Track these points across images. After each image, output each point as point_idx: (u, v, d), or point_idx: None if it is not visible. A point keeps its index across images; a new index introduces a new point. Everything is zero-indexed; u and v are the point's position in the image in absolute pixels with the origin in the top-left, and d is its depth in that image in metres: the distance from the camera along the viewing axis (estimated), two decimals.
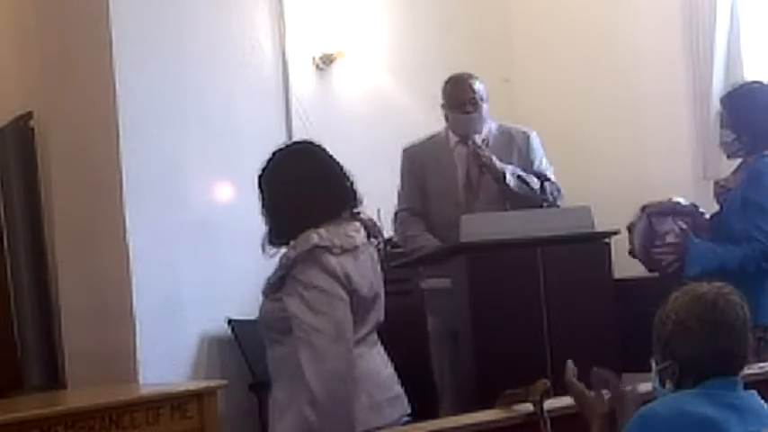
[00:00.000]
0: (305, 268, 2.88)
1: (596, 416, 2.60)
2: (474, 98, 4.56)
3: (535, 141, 4.64)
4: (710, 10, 5.31)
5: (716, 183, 4.13)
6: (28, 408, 4.17)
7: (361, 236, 2.99)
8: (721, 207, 4.03)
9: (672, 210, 4.10)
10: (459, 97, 4.57)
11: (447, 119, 4.62)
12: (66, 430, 3.86)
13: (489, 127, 4.61)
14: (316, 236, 2.88)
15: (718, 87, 5.24)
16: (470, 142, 4.50)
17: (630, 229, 4.19)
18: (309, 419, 2.80)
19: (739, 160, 4.03)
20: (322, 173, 3.04)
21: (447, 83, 4.64)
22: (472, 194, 4.53)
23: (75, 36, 4.91)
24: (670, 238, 4.05)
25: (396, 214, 4.71)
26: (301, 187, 3.01)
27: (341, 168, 3.08)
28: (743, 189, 3.91)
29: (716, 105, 4.59)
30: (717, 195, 4.06)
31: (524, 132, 4.65)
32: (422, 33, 5.87)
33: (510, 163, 4.47)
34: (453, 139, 4.62)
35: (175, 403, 4.18)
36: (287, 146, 3.21)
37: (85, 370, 4.87)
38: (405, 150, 4.74)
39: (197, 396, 4.27)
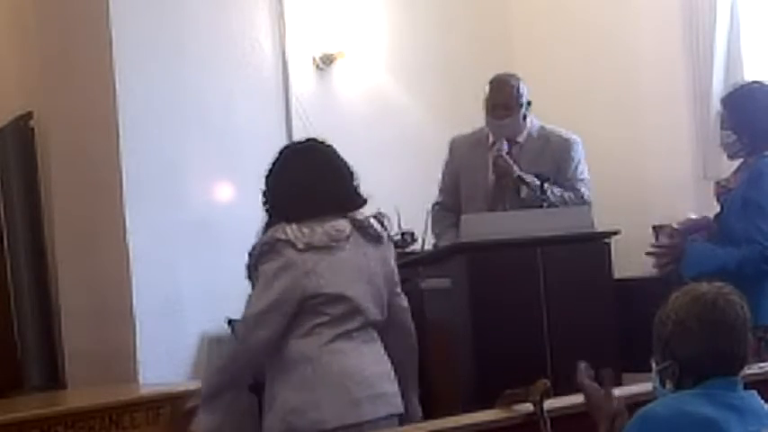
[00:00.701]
0: (267, 259, 2.98)
1: (604, 416, 2.60)
2: (508, 103, 4.50)
3: (573, 148, 4.56)
4: (710, 10, 5.30)
5: (716, 183, 4.12)
6: (28, 408, 4.17)
7: (344, 234, 3.01)
8: (722, 207, 4.03)
9: (692, 227, 4.08)
10: (493, 100, 4.54)
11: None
12: (66, 430, 3.86)
13: (530, 129, 4.57)
14: (280, 230, 2.95)
15: (718, 87, 5.23)
16: (495, 149, 4.47)
17: (656, 249, 4.12)
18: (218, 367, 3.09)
19: (740, 160, 4.03)
20: (321, 173, 3.06)
21: (489, 83, 4.60)
22: (498, 200, 4.51)
23: (76, 36, 4.91)
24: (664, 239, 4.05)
25: (432, 206, 4.70)
26: (297, 186, 3.03)
27: (347, 168, 3.09)
28: (743, 189, 3.90)
29: (716, 105, 4.59)
30: (717, 195, 4.06)
31: (564, 138, 4.58)
32: (422, 33, 5.87)
33: (539, 168, 4.39)
34: (491, 138, 4.60)
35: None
36: (292, 143, 3.24)
37: (85, 370, 4.87)
38: (451, 141, 4.75)
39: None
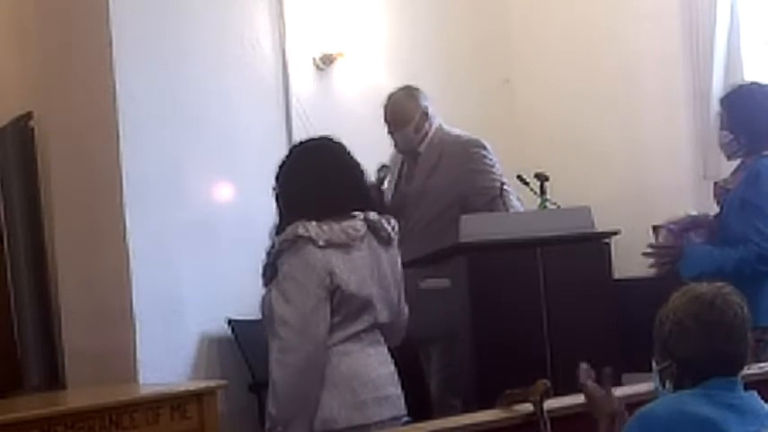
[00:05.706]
0: (287, 258, 2.94)
1: (604, 414, 2.61)
2: (391, 119, 4.51)
3: (472, 150, 4.43)
4: (710, 10, 5.30)
5: (716, 184, 4.13)
6: (28, 408, 4.17)
7: (359, 233, 3.00)
8: (721, 208, 4.03)
9: (692, 224, 4.08)
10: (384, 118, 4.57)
11: None
12: (66, 430, 3.86)
13: (432, 137, 4.50)
14: (301, 227, 2.92)
15: (717, 87, 5.23)
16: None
17: (654, 249, 4.11)
18: (270, 410, 2.88)
19: (739, 160, 4.04)
20: (333, 171, 3.05)
21: None
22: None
23: (76, 36, 4.91)
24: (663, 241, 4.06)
25: None
26: (312, 184, 3.02)
27: (357, 166, 3.09)
28: (741, 190, 3.91)
29: (716, 105, 4.59)
30: (717, 196, 4.06)
31: (462, 141, 4.47)
32: (421, 33, 5.86)
33: (437, 178, 4.37)
34: None
35: (175, 403, 4.18)
36: (304, 141, 3.22)
37: (85, 370, 4.87)
38: None
39: (197, 396, 4.27)
